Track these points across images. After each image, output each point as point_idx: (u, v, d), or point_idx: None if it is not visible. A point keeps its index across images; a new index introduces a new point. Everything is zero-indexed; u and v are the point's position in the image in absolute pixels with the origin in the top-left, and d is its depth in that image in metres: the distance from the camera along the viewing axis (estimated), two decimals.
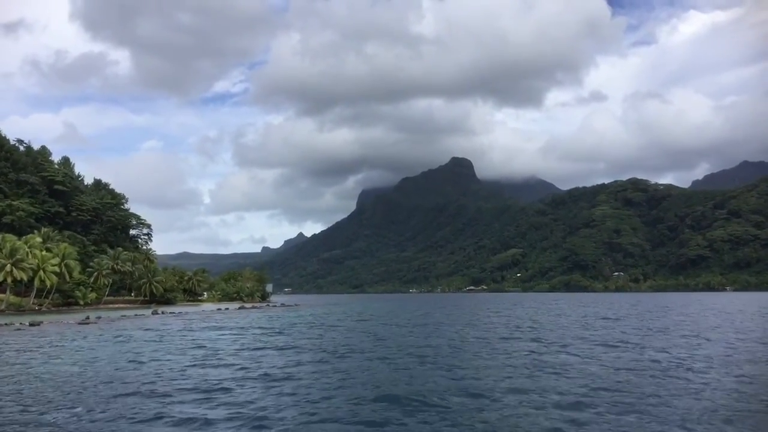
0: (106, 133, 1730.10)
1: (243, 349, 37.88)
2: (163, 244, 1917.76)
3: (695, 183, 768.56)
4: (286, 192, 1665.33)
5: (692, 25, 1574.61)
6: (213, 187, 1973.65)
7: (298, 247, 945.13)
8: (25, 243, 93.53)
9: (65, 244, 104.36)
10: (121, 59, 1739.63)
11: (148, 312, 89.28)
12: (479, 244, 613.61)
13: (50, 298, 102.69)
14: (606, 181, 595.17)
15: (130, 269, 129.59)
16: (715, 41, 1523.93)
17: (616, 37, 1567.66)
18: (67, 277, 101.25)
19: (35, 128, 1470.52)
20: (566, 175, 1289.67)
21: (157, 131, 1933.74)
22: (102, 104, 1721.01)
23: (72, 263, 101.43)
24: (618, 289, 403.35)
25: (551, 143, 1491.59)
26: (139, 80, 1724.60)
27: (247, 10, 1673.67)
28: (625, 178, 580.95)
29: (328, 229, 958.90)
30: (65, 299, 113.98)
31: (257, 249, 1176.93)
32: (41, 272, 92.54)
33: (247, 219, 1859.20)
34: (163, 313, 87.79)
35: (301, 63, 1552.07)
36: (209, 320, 73.51)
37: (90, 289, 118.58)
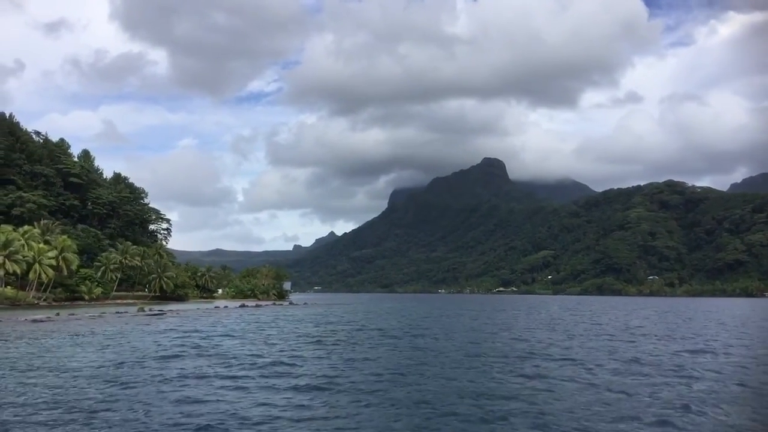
0: (143, 131, 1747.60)
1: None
2: (197, 241, 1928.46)
3: (733, 186, 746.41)
4: (318, 191, 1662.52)
5: (731, 26, 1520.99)
6: (246, 185, 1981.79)
7: (329, 245, 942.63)
8: (22, 235, 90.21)
9: (64, 237, 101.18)
10: (158, 59, 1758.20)
11: (133, 309, 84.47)
12: (510, 245, 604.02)
13: (48, 291, 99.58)
14: (641, 183, 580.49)
15: (139, 264, 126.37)
16: (754, 42, 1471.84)
17: (653, 38, 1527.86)
18: (65, 270, 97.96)
19: (74, 126, 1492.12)
20: (601, 176, 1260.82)
21: (193, 129, 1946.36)
22: (139, 103, 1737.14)
23: (71, 257, 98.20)
24: (652, 293, 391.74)
25: (586, 144, 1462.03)
26: (175, 79, 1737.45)
27: (282, 11, 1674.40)
28: (661, 180, 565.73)
29: (359, 228, 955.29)
30: (70, 294, 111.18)
31: (289, 247, 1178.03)
32: (36, 265, 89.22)
33: (280, 217, 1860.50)
34: (150, 310, 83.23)
35: (335, 63, 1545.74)
36: (179, 322, 66.70)
37: (96, 283, 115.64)
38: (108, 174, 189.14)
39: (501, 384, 25.81)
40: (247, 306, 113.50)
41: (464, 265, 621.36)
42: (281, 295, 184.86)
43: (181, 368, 29.34)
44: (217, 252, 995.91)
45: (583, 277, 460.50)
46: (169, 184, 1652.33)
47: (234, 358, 33.56)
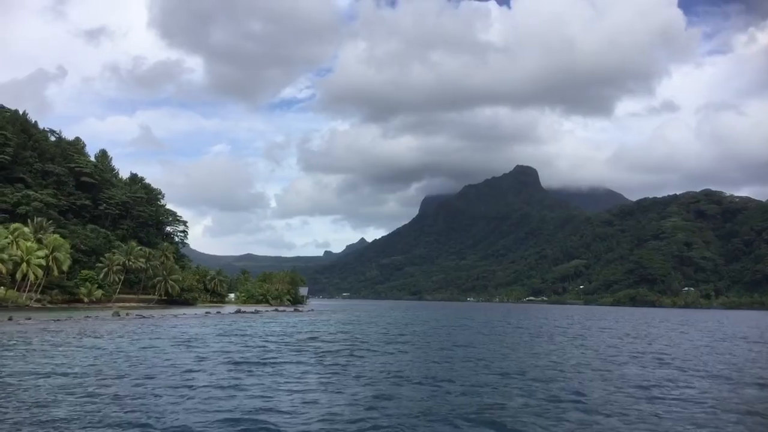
0: (177, 136, 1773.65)
1: None
2: (229, 246, 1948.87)
3: None
4: (349, 197, 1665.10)
5: None
6: (279, 191, 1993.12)
7: (359, 252, 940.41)
8: (11, 233, 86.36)
9: (55, 236, 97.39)
10: (194, 66, 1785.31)
11: (108, 314, 79.33)
12: (541, 254, 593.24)
13: (39, 292, 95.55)
14: (678, 193, 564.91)
15: (144, 266, 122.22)
16: None
17: (691, 47, 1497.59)
18: (56, 270, 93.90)
19: (110, 130, 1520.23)
20: (636, 185, 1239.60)
21: (226, 135, 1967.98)
22: (174, 109, 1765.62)
23: (62, 256, 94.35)
24: (687, 305, 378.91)
25: (621, 153, 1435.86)
26: (210, 86, 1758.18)
27: (316, 19, 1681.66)
28: (698, 190, 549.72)
29: (389, 235, 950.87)
30: (69, 295, 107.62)
31: (320, 253, 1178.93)
32: (24, 264, 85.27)
33: (312, 224, 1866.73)
34: (128, 314, 78.55)
35: (367, 70, 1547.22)
36: (131, 331, 58.82)
37: (96, 285, 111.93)
38: (131, 175, 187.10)
39: None
40: (245, 312, 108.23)
41: (494, 274, 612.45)
42: (296, 301, 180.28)
43: None
44: (249, 257, 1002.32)
45: (616, 288, 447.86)
46: (203, 189, 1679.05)
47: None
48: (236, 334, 55.75)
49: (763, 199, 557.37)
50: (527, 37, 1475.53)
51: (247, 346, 44.56)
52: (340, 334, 61.35)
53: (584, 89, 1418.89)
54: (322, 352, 41.40)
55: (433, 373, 32.09)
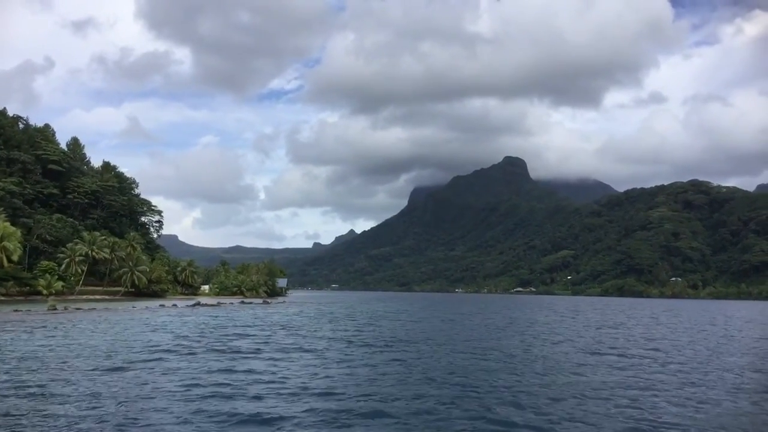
0: (165, 127, 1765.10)
1: None
2: (217, 238, 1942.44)
3: (760, 187, 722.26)
4: (339, 189, 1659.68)
5: (757, 24, 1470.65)
6: (268, 183, 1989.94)
7: (348, 243, 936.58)
8: None
9: (5, 224, 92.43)
10: (182, 57, 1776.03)
11: (44, 307, 73.91)
12: (529, 245, 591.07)
13: None
14: (665, 183, 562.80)
15: (108, 256, 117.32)
16: None
17: (679, 38, 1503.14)
18: (5, 261, 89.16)
19: (97, 122, 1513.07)
20: (624, 176, 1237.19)
21: (214, 127, 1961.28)
22: (161, 100, 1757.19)
23: (11, 246, 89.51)
24: (675, 296, 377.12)
25: (609, 144, 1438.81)
26: (198, 77, 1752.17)
27: (305, 10, 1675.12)
28: (685, 181, 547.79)
29: (378, 226, 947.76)
30: (27, 287, 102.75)
31: (309, 245, 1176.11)
32: None
33: (301, 215, 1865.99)
34: (66, 309, 73.64)
35: (356, 62, 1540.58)
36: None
37: (56, 277, 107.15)
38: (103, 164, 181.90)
39: None
40: (205, 305, 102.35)
41: (482, 265, 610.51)
42: (274, 292, 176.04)
43: None
44: (238, 249, 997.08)
45: (604, 278, 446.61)
46: (192, 181, 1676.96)
47: None
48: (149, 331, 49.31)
49: (750, 190, 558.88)
50: (516, 28, 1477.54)
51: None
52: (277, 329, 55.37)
53: (573, 81, 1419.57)
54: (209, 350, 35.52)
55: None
